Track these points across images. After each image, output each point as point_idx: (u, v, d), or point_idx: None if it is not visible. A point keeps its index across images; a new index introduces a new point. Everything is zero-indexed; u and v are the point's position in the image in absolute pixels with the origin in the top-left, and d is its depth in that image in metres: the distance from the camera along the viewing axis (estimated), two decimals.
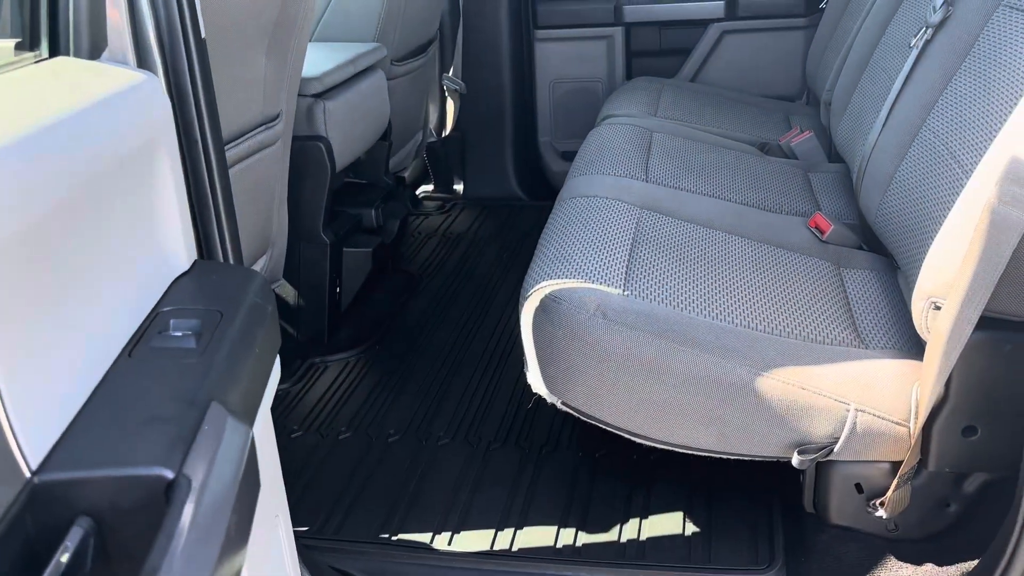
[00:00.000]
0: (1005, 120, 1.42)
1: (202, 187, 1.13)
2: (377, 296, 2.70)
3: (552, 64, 3.56)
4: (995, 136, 1.42)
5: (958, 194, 1.45)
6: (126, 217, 0.88)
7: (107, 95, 0.85)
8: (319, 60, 2.31)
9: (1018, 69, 1.48)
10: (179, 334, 0.87)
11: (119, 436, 0.73)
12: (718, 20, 3.37)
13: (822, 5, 3.10)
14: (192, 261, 1.04)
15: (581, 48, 3.51)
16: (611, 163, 2.28)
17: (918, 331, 1.47)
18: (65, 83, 0.85)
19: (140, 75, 0.96)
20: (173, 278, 0.98)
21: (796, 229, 2.01)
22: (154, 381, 0.81)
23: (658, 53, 3.50)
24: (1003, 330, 1.38)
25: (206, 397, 0.79)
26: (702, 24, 3.39)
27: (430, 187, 3.71)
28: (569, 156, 3.60)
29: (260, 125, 1.92)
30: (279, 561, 1.12)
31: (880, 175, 1.85)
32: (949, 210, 1.46)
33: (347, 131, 2.33)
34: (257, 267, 2.06)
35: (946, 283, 1.37)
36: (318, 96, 2.22)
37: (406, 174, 3.42)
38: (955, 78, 1.67)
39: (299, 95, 2.13)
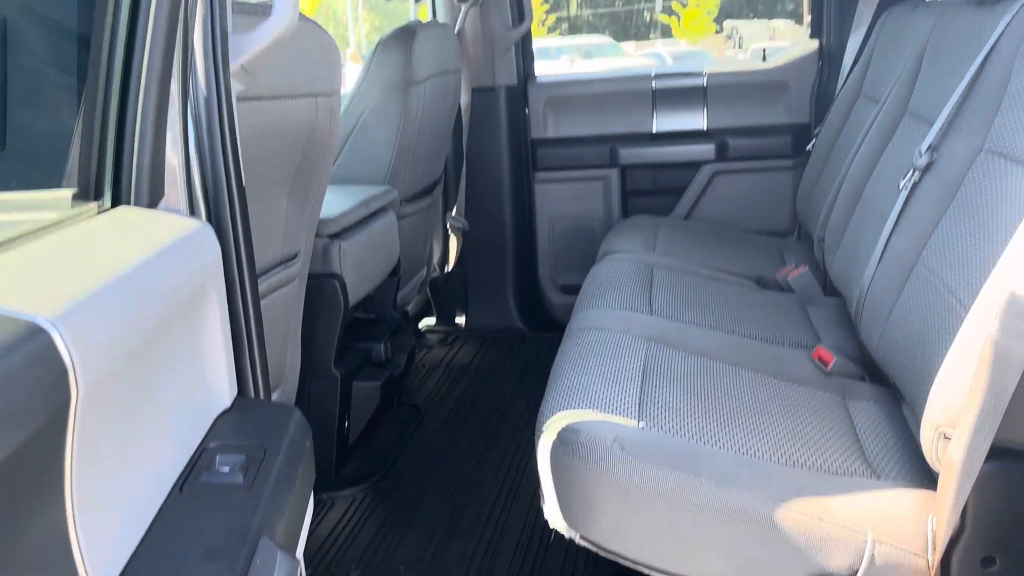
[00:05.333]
0: (998, 256, 1.50)
1: (238, 325, 1.17)
2: (383, 429, 2.71)
3: (551, 202, 3.70)
4: (989, 271, 1.50)
5: (957, 326, 1.51)
6: (180, 359, 0.92)
7: (169, 245, 0.91)
8: (335, 201, 2.41)
9: (1005, 210, 1.57)
10: (226, 469, 0.90)
11: (179, 570, 0.75)
12: (709, 162, 3.53)
13: (808, 147, 3.26)
14: (233, 397, 1.07)
15: (579, 188, 3.67)
16: (616, 296, 2.36)
17: (929, 462, 1.50)
18: (132, 234, 0.91)
19: (195, 223, 1.02)
20: (217, 414, 1.02)
21: (799, 361, 2.06)
22: (206, 515, 0.83)
23: (653, 192, 3.65)
24: (1014, 460, 1.41)
25: (256, 532, 0.81)
26: (694, 166, 3.55)
27: (432, 320, 3.78)
28: (568, 289, 3.69)
29: (280, 264, 1.99)
30: None
31: (879, 309, 1.92)
32: (950, 342, 1.51)
33: (360, 269, 2.40)
34: None
35: (954, 414, 1.41)
36: (334, 236, 2.31)
37: (409, 308, 3.49)
38: (945, 218, 1.77)
39: (316, 235, 2.21)
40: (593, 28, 43.13)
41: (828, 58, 3.39)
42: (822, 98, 3.39)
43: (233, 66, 1.26)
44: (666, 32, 38.59)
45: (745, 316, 2.31)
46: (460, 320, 3.75)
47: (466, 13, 3.41)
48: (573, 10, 45.48)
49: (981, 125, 1.81)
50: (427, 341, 3.57)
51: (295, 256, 2.09)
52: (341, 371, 2.39)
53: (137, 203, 1.03)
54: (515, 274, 3.70)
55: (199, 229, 1.01)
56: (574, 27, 43.36)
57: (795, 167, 3.44)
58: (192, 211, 1.09)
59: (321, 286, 2.27)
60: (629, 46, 33.31)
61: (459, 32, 3.39)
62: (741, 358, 2.03)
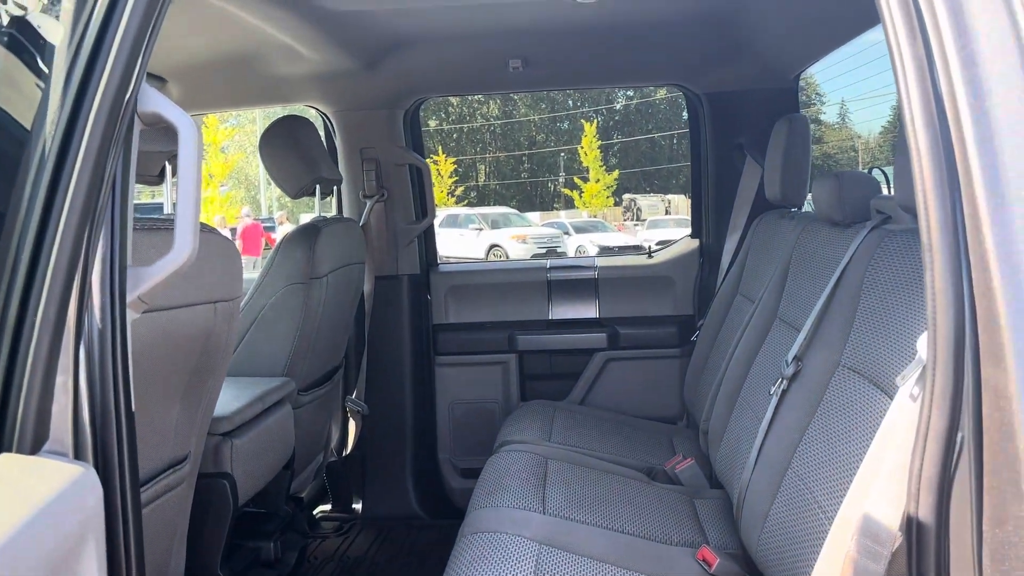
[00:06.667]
0: (855, 470, 1.62)
1: (117, 557, 1.16)
2: None
3: (451, 386, 3.77)
4: (849, 485, 1.61)
5: (824, 539, 1.60)
6: None
7: (47, 503, 0.92)
8: (229, 397, 2.40)
9: (860, 427, 1.71)
10: None
11: None
12: (602, 349, 3.69)
13: (693, 338, 3.46)
14: None
15: (478, 372, 3.75)
16: (510, 495, 2.39)
17: None
18: (7, 494, 0.92)
19: (77, 469, 1.03)
20: None
21: (685, 562, 2.11)
22: None
23: (549, 377, 3.76)
24: None
25: None
26: (588, 353, 3.70)
27: (328, 506, 3.70)
28: (468, 473, 3.70)
29: (168, 468, 1.96)
30: None
31: (756, 512, 2.01)
32: (819, 554, 1.60)
33: (252, 466, 2.38)
34: None
35: None
36: (226, 434, 2.29)
37: (304, 494, 3.42)
38: (810, 429, 1.90)
39: (208, 434, 2.19)
40: (501, 198, 45.00)
41: (708, 256, 3.66)
42: (704, 292, 3.63)
43: (130, 297, 1.30)
44: (569, 203, 40.56)
45: (635, 513, 2.37)
46: (357, 506, 3.68)
47: (371, 208, 3.57)
48: (481, 180, 47.43)
49: (838, 340, 1.98)
50: (321, 530, 3.48)
51: (185, 458, 2.06)
52: (227, 573, 2.31)
53: (20, 449, 1.04)
54: (414, 458, 3.69)
55: (81, 476, 1.02)
56: (483, 197, 45.14)
57: (682, 356, 3.62)
58: (77, 452, 1.10)
59: (210, 486, 2.23)
60: (535, 216, 34.82)
61: (364, 225, 3.53)
62: (630, 560, 2.07)
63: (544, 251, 22.79)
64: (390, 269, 3.68)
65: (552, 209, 42.78)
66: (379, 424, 3.66)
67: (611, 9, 2.69)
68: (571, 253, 23.74)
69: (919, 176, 1.22)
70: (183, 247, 1.33)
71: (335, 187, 3.58)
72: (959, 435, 1.25)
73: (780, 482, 1.94)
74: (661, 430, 3.36)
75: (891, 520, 1.41)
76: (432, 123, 45.08)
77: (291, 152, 2.91)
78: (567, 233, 26.12)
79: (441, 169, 35.10)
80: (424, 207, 3.71)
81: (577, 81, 3.83)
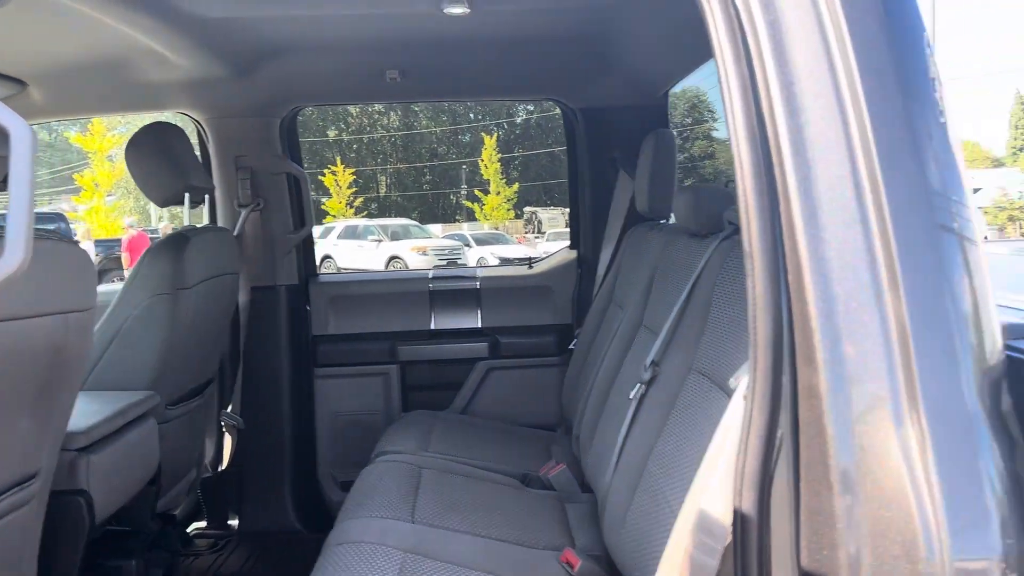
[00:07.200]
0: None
1: None
2: None
3: (332, 398, 3.73)
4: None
5: None
6: None
7: None
8: (87, 412, 2.32)
9: (706, 426, 1.78)
10: None
11: None
12: (483, 359, 3.72)
13: (571, 347, 3.53)
14: None
15: (360, 383, 3.73)
16: (379, 505, 2.38)
17: None
18: None
19: None
20: None
21: (549, 565, 2.16)
22: None
23: (432, 387, 3.76)
24: None
25: None
26: (470, 362, 3.72)
27: (203, 523, 3.60)
28: (348, 486, 3.66)
29: (14, 487, 1.89)
30: None
31: (616, 514, 2.07)
32: None
33: (111, 483, 2.30)
34: None
35: None
36: (82, 450, 2.21)
37: (177, 512, 3.33)
38: (663, 432, 1.97)
39: (62, 450, 2.11)
40: (402, 210, 44.70)
41: (585, 266, 3.75)
42: (581, 302, 3.71)
43: None
44: (471, 216, 40.65)
45: (504, 519, 2.40)
46: (233, 522, 3.60)
47: (246, 217, 3.51)
48: (382, 192, 47.03)
49: (692, 346, 2.06)
50: (195, 547, 3.39)
51: (34, 475, 1.98)
52: None
53: None
54: (293, 472, 3.63)
55: None
56: (383, 208, 44.74)
57: (560, 364, 3.69)
58: None
59: (64, 504, 2.15)
60: (436, 228, 34.73)
61: (239, 235, 3.47)
62: (495, 565, 2.10)
63: (445, 263, 22.78)
64: (267, 279, 3.62)
65: (454, 221, 42.82)
66: (256, 438, 3.59)
67: (483, 23, 2.74)
68: (472, 265, 23.82)
69: (741, 187, 1.29)
70: (13, 256, 1.28)
71: (206, 196, 3.51)
72: (779, 432, 1.32)
73: (637, 484, 2.00)
74: (540, 437, 3.41)
75: (724, 516, 1.48)
76: (331, 133, 44.49)
77: (158, 158, 2.83)
78: (468, 245, 26.19)
79: (340, 180, 34.66)
80: (302, 216, 3.67)
81: (456, 93, 3.87)
